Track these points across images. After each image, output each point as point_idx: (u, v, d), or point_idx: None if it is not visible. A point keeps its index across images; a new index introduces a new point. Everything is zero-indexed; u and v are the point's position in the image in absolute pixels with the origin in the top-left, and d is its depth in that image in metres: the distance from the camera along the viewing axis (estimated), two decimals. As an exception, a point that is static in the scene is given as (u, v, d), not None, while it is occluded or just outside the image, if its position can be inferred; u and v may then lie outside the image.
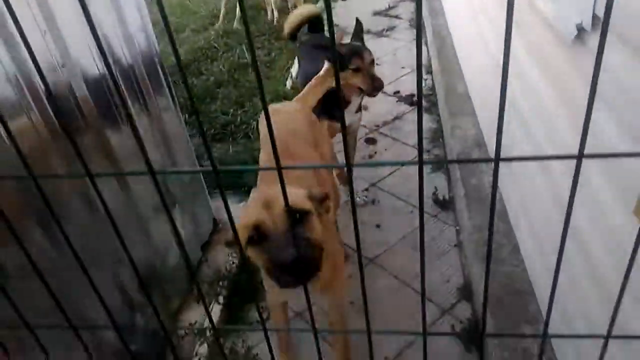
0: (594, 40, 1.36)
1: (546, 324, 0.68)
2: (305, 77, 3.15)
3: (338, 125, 2.88)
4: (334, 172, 3.14)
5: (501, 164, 0.56)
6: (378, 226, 3.08)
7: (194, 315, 2.64)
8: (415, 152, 3.62)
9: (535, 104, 2.10)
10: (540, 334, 0.95)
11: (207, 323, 2.56)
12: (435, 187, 3.27)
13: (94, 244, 2.00)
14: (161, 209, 2.57)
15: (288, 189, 0.76)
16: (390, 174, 3.45)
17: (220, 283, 2.76)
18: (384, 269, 2.81)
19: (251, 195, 2.40)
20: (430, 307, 2.56)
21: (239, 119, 4.19)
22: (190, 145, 2.96)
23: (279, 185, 0.66)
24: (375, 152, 3.69)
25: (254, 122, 4.05)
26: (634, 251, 0.60)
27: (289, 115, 2.38)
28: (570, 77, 1.66)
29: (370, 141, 3.82)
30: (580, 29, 1.41)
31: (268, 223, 1.38)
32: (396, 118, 4.07)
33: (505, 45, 0.47)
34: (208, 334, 2.49)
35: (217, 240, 3.09)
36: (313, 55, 3.17)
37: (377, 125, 4.00)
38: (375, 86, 2.70)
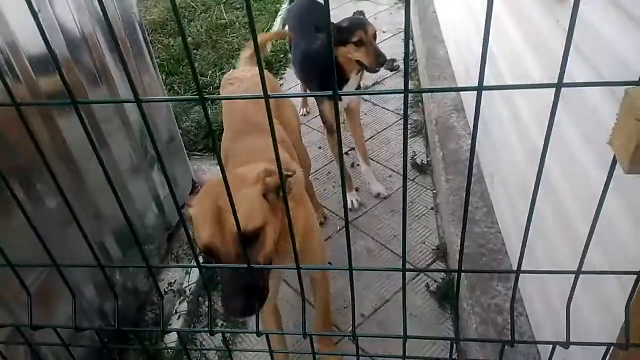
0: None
1: (520, 261, 0.71)
2: (296, 46, 3.06)
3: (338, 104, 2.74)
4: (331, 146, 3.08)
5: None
6: (357, 190, 3.11)
7: (173, 275, 2.65)
8: (395, 117, 3.65)
9: (515, 62, 2.13)
10: (511, 285, 1.00)
11: (186, 283, 2.58)
12: (414, 152, 3.30)
13: (73, 201, 1.98)
14: (139, 171, 2.55)
15: (239, 190, 0.72)
16: (370, 139, 3.46)
17: (200, 244, 2.77)
18: (362, 231, 2.86)
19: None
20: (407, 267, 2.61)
21: (218, 81, 4.12)
22: (170, 106, 2.91)
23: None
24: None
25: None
26: (607, 184, 0.62)
27: (251, 83, 2.32)
28: (551, 35, 1.68)
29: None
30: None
31: (219, 247, 1.35)
32: (376, 83, 4.06)
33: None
34: (188, 292, 2.52)
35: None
36: (303, 22, 3.07)
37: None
38: (378, 61, 2.54)
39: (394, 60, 4.23)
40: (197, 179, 3.21)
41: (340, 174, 0.69)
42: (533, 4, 1.87)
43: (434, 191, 3.05)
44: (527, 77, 1.95)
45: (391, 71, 4.15)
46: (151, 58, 2.68)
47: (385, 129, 3.54)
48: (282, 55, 4.55)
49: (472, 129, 2.99)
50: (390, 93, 0.58)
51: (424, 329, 2.33)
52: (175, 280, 2.58)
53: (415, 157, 3.27)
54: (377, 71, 2.66)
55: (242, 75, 2.43)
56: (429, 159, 3.25)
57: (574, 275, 0.73)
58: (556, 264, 1.69)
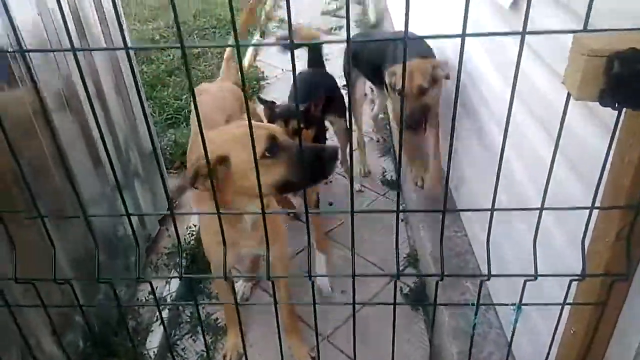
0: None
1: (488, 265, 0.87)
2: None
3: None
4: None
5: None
6: (331, 204, 3.25)
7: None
8: (365, 138, 3.84)
9: (472, 69, 2.36)
10: (478, 283, 1.16)
11: (166, 292, 2.62)
12: (384, 169, 3.50)
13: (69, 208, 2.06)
14: (123, 182, 2.62)
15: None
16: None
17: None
18: (337, 241, 2.99)
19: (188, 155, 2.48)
20: (381, 274, 2.75)
21: (191, 104, 4.24)
22: (151, 121, 3.02)
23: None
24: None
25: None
26: (562, 119, 0.79)
27: (217, 94, 2.61)
28: (505, 41, 1.91)
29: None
30: (515, -3, 1.67)
31: (279, 135, 1.57)
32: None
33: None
34: (169, 300, 2.56)
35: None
36: (302, 90, 2.94)
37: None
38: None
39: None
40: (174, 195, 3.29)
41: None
42: (491, 19, 2.12)
43: (403, 205, 3.23)
44: (491, 90, 2.18)
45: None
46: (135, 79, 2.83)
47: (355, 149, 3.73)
48: (255, 82, 4.75)
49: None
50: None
51: (398, 329, 2.43)
52: (157, 287, 2.61)
53: (385, 173, 3.46)
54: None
55: (209, 87, 2.72)
56: (397, 174, 3.44)
57: (539, 213, 0.89)
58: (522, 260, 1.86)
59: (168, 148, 3.69)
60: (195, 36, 5.63)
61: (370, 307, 2.56)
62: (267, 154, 1.52)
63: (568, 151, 1.39)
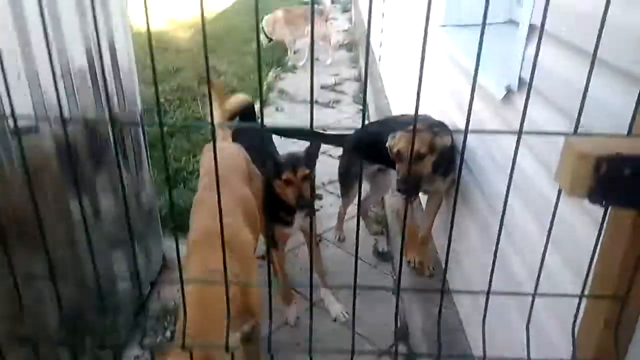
0: (519, 99, 1.74)
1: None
2: None
3: (286, 229, 2.81)
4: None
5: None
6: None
7: (140, 349, 2.64)
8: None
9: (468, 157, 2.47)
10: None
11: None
12: (375, 240, 3.55)
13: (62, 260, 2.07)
14: (120, 241, 2.64)
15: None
16: (334, 227, 3.69)
17: (168, 318, 2.80)
18: (328, 311, 2.98)
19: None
20: (370, 348, 2.73)
21: (191, 166, 4.34)
22: (152, 179, 3.12)
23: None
24: (322, 207, 3.95)
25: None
26: (552, 219, 0.87)
27: (229, 154, 2.73)
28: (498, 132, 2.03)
29: (316, 197, 4.08)
30: (509, 90, 1.80)
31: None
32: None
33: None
34: (154, 363, 2.51)
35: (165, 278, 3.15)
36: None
37: (323, 183, 4.30)
38: (299, 203, 2.53)
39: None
40: (169, 255, 3.29)
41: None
42: (485, 110, 2.26)
43: (394, 277, 3.25)
44: (484, 174, 2.29)
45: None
46: (145, 143, 2.98)
47: (350, 218, 3.80)
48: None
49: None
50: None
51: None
52: (144, 353, 2.56)
53: (377, 245, 3.51)
54: (301, 210, 2.67)
55: (224, 147, 2.78)
56: (389, 247, 3.49)
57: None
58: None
59: (165, 208, 3.73)
60: (199, 101, 5.83)
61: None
62: None
63: (559, 241, 1.47)
